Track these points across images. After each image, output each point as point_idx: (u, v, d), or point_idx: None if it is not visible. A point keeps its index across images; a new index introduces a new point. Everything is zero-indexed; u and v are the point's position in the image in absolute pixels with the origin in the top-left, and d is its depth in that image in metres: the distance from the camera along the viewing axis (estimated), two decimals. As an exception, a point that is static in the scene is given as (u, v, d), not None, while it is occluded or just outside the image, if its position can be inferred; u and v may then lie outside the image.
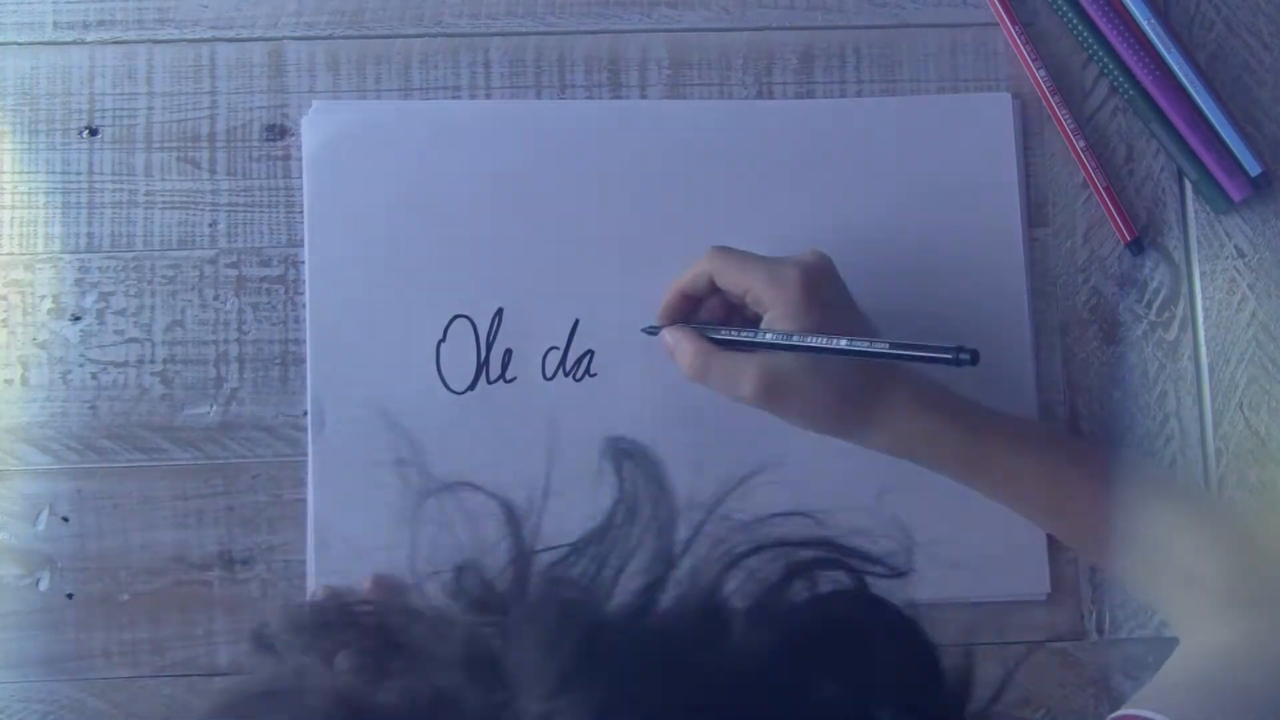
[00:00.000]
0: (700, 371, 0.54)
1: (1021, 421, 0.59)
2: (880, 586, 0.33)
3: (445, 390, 0.59)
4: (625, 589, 0.31)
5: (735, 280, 0.54)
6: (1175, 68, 0.63)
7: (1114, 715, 0.49)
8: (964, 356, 0.46)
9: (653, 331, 0.58)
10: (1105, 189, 0.63)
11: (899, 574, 0.33)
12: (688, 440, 0.58)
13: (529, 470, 0.58)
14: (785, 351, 0.53)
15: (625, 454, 0.33)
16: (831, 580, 0.32)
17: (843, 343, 0.51)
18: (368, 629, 0.31)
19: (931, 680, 0.31)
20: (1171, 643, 0.60)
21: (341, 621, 0.31)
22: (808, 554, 0.32)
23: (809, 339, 0.52)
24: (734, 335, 0.55)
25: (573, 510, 0.32)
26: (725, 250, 0.55)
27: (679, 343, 0.55)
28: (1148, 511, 0.54)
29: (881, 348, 0.50)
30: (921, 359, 0.49)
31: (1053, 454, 0.56)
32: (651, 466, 0.33)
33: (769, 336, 0.53)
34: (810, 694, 0.29)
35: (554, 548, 0.32)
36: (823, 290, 0.53)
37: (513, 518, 0.32)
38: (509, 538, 0.32)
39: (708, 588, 0.31)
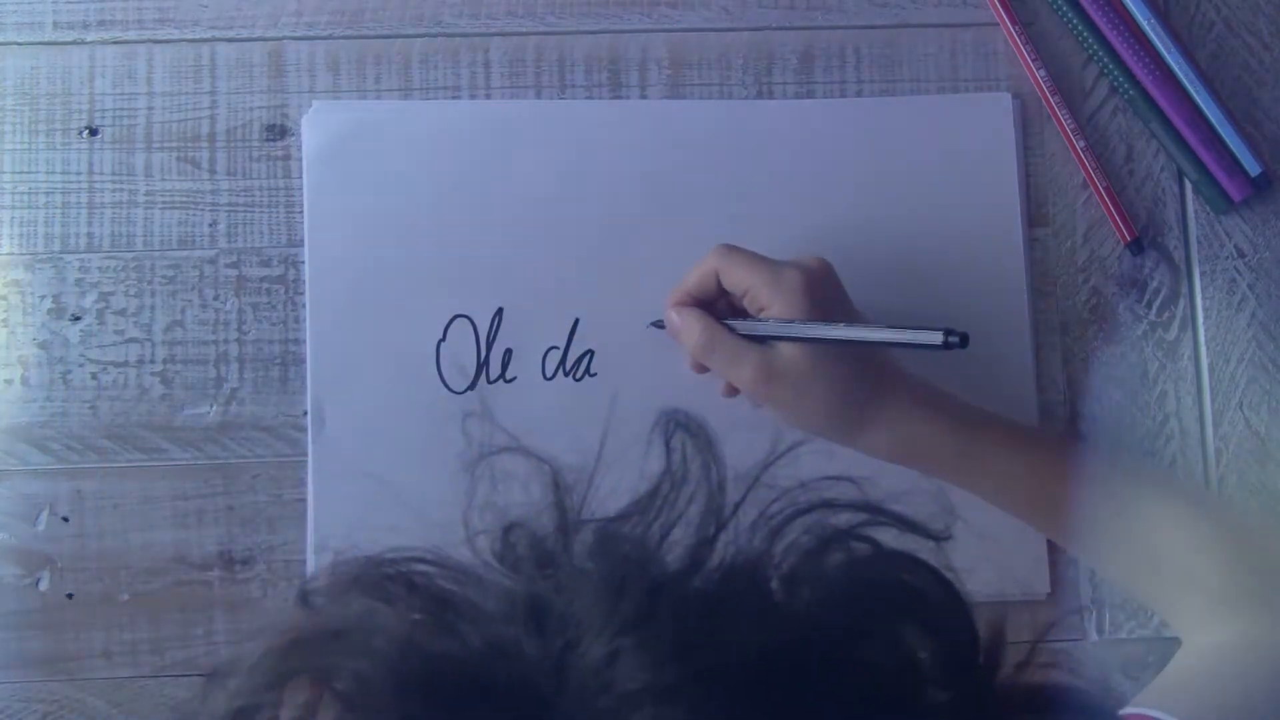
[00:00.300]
0: (705, 349, 0.55)
1: (1017, 425, 0.59)
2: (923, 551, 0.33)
3: (445, 390, 0.59)
4: (674, 549, 0.31)
5: (739, 278, 0.54)
6: (1175, 68, 0.63)
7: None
8: (953, 340, 0.46)
9: (661, 325, 0.58)
10: (1105, 189, 0.63)
11: (939, 539, 0.34)
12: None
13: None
14: (786, 345, 0.53)
15: (678, 425, 0.34)
16: (873, 543, 0.33)
17: (840, 328, 0.52)
18: (418, 585, 0.31)
19: (969, 642, 0.32)
20: (1171, 643, 0.60)
21: (396, 575, 0.31)
22: (850, 517, 0.33)
23: (807, 327, 0.52)
24: (738, 323, 0.55)
25: (622, 483, 0.33)
26: (731, 248, 0.55)
27: (686, 321, 0.55)
28: (1144, 513, 0.54)
29: (877, 333, 0.51)
30: (909, 346, 0.49)
31: (1048, 457, 0.56)
32: (703, 435, 0.34)
33: (771, 323, 0.53)
34: (855, 653, 0.30)
35: (600, 520, 0.32)
36: (822, 294, 0.54)
37: (560, 484, 0.33)
38: (555, 504, 0.32)
39: (758, 549, 0.31)
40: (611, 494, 0.33)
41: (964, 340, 0.46)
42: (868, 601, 0.31)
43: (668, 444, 0.34)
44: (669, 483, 0.33)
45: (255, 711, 0.29)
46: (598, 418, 0.58)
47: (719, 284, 0.55)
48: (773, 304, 0.53)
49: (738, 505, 0.32)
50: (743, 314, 0.56)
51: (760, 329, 0.54)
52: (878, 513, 0.33)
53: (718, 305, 0.56)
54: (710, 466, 0.33)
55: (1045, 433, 0.61)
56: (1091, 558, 0.59)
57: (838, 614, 0.30)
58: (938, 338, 0.46)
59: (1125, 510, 0.54)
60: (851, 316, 0.55)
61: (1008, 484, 0.56)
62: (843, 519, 0.32)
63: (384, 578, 0.31)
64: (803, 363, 0.53)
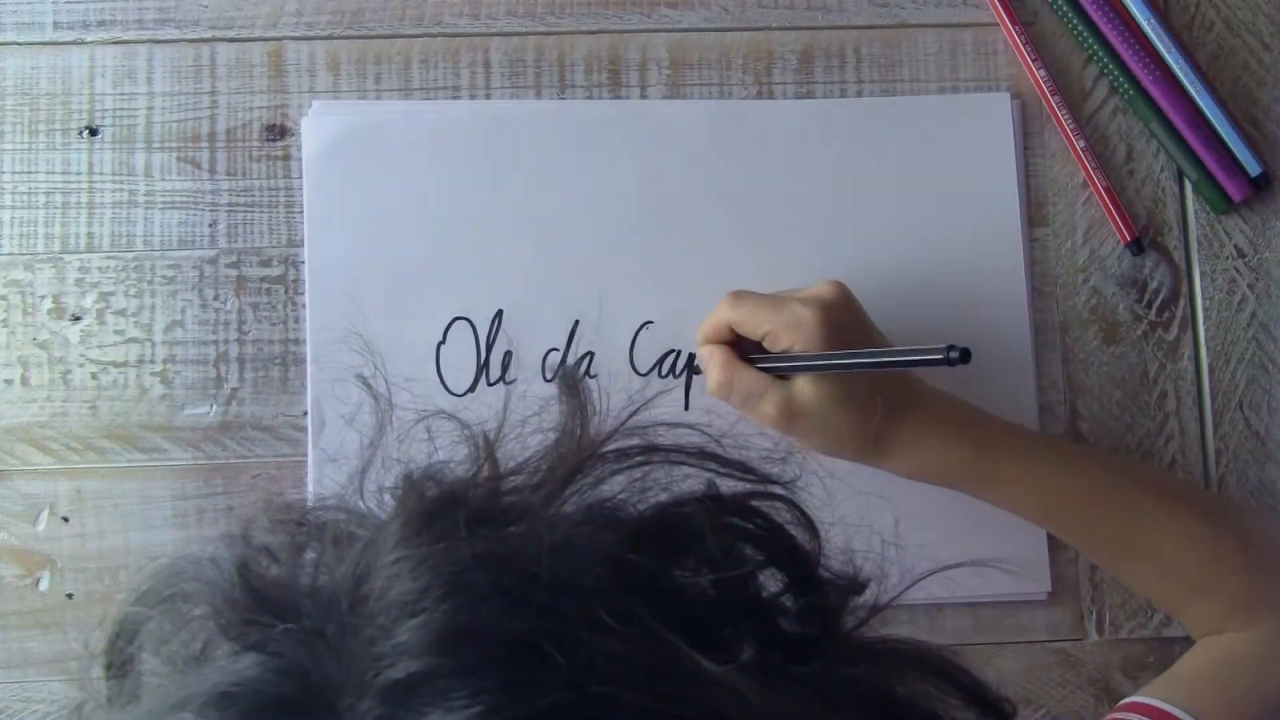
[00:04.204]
0: (723, 390, 0.55)
1: (1037, 438, 0.59)
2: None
3: (445, 392, 0.59)
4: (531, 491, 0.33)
5: (753, 326, 0.54)
6: (1175, 68, 0.63)
7: (1123, 702, 0.49)
8: (954, 355, 0.46)
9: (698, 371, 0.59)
10: (1105, 189, 0.63)
11: (779, 483, 0.35)
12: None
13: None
14: (802, 380, 0.53)
15: (561, 381, 0.37)
16: (713, 487, 0.34)
17: (844, 356, 0.52)
18: (322, 529, 0.33)
19: (803, 582, 0.33)
20: (1171, 643, 0.60)
21: (312, 521, 0.34)
22: (671, 457, 0.34)
23: (812, 357, 0.52)
24: (756, 361, 0.55)
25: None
26: (739, 296, 0.55)
27: (711, 356, 0.56)
28: (1160, 523, 0.54)
29: (880, 356, 0.51)
30: (914, 364, 0.49)
31: (1064, 467, 0.56)
32: (575, 388, 0.36)
33: (778, 356, 0.54)
34: (658, 591, 0.30)
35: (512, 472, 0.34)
36: (838, 324, 0.53)
37: (486, 445, 0.35)
38: (481, 464, 0.34)
39: (562, 477, 0.33)
40: None
41: (965, 355, 0.46)
42: (664, 540, 0.32)
43: (560, 399, 0.36)
44: (563, 434, 0.35)
45: (142, 620, 0.33)
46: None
47: (733, 331, 0.56)
48: (793, 345, 0.53)
49: (592, 454, 0.33)
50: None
51: (768, 363, 0.54)
52: (715, 460, 0.34)
53: (744, 343, 0.56)
54: (576, 417, 0.35)
55: (1062, 443, 0.61)
56: (1108, 565, 0.59)
57: (632, 548, 0.31)
58: (939, 355, 0.46)
59: (1141, 520, 0.54)
60: (872, 339, 0.55)
61: (1027, 498, 0.56)
62: (679, 469, 0.34)
63: (297, 521, 0.34)
64: (820, 397, 0.53)
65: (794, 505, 0.34)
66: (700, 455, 0.34)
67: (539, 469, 0.33)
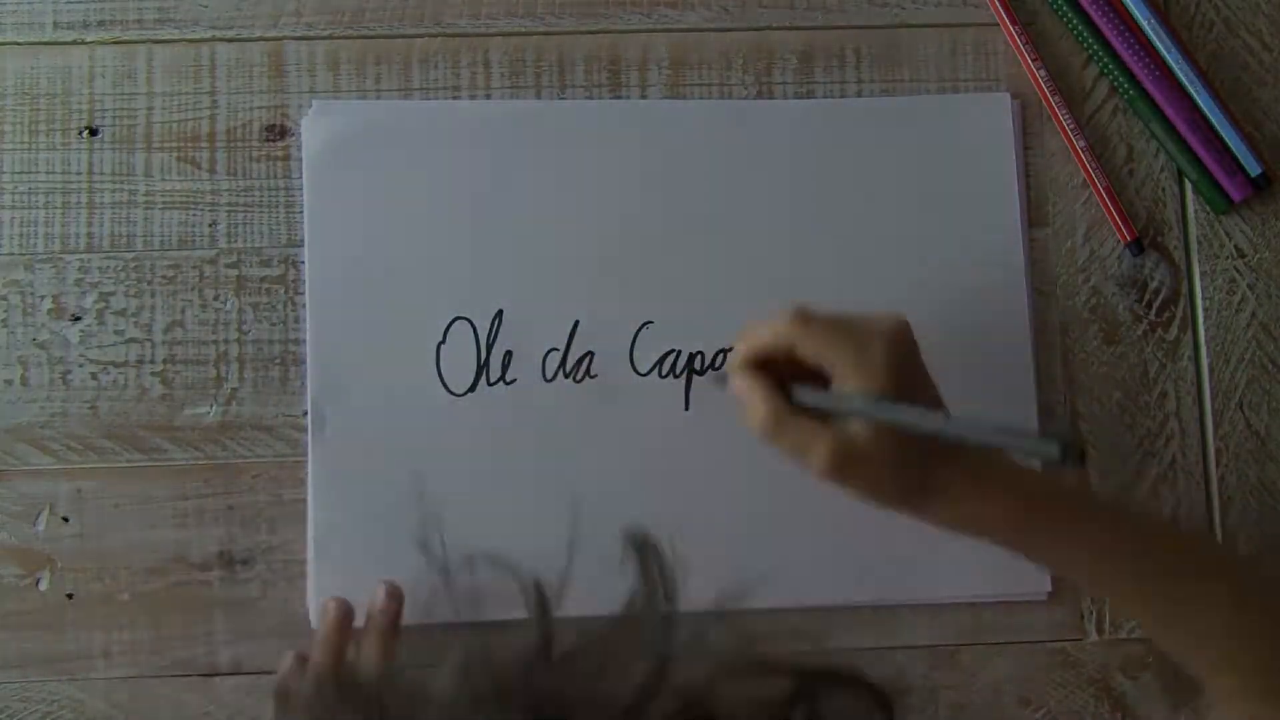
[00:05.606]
0: (771, 433, 0.50)
1: (1078, 497, 0.56)
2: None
3: (445, 392, 0.59)
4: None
5: (816, 353, 0.50)
6: (1175, 68, 0.63)
7: None
8: (1068, 456, 0.42)
9: (719, 381, 0.58)
10: (1105, 189, 0.63)
11: (890, 703, 0.34)
12: (685, 449, 0.59)
13: (526, 475, 0.59)
14: (861, 421, 0.49)
15: (641, 545, 0.35)
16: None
17: (939, 420, 0.48)
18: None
19: None
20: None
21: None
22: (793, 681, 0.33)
23: (904, 411, 0.48)
24: (814, 398, 0.50)
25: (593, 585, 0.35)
26: (807, 317, 0.50)
27: (753, 395, 0.51)
28: (1192, 590, 0.51)
29: (983, 434, 0.47)
30: (1021, 450, 0.47)
31: (1099, 529, 0.53)
32: (663, 562, 0.35)
33: (858, 402, 0.49)
34: None
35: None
36: (903, 369, 0.50)
37: (541, 599, 0.35)
38: (535, 619, 0.34)
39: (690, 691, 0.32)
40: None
41: (1082, 457, 0.42)
42: None
43: (635, 564, 0.35)
44: (638, 606, 0.34)
45: None
46: (597, 421, 0.59)
47: (789, 350, 0.51)
48: (855, 382, 0.49)
49: (688, 648, 0.32)
50: (810, 375, 0.51)
51: (842, 405, 0.49)
52: (819, 676, 0.33)
53: (782, 363, 0.52)
54: (658, 600, 0.34)
55: (1103, 503, 0.58)
56: (1144, 628, 0.58)
57: None
58: (1054, 451, 0.42)
59: (1168, 586, 0.52)
60: (927, 384, 0.52)
61: (1062, 560, 0.54)
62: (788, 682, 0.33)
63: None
64: (879, 444, 0.49)
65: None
66: (803, 674, 0.33)
67: (595, 655, 0.33)
